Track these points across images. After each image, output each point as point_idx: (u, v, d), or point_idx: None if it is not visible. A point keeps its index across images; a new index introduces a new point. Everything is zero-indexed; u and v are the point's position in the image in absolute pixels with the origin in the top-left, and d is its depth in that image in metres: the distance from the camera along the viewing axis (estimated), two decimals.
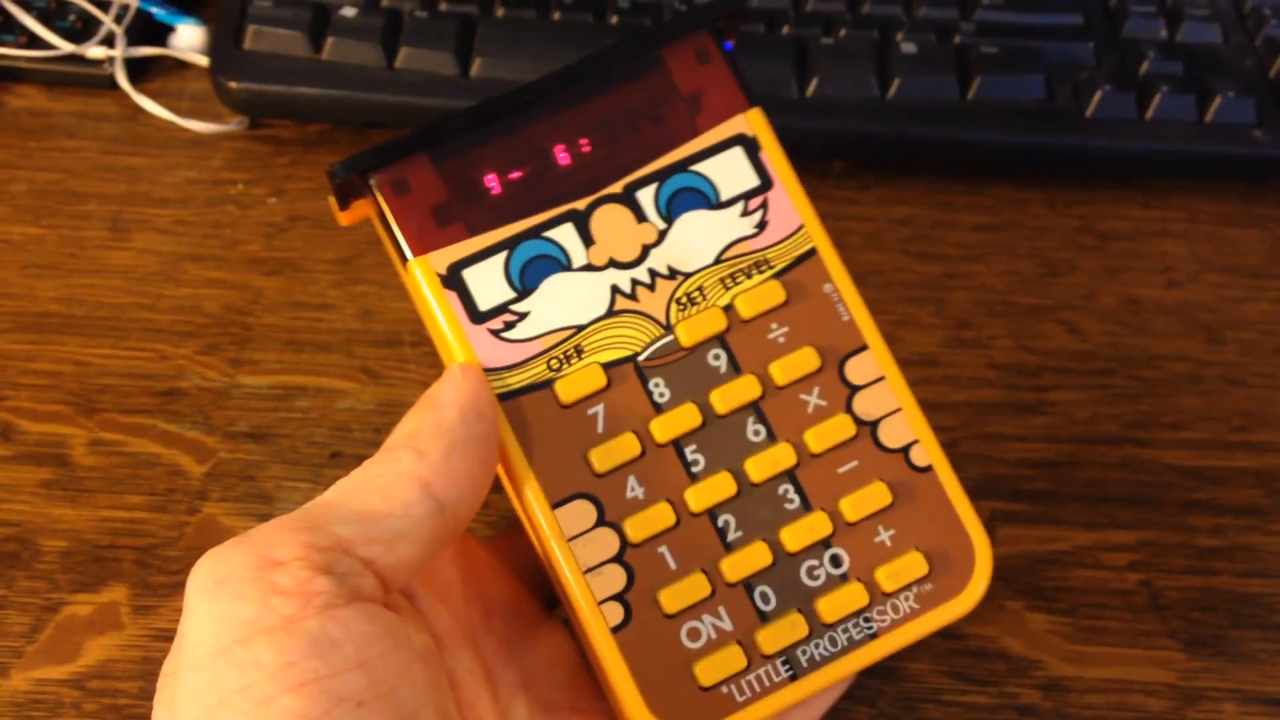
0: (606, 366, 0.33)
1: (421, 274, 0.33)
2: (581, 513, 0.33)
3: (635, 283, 0.34)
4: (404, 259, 0.33)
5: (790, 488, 0.34)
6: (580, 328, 0.34)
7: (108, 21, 0.56)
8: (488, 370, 0.33)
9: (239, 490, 0.44)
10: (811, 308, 0.35)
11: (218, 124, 0.55)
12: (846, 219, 0.53)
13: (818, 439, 0.34)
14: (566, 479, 0.33)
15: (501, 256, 0.33)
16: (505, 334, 0.33)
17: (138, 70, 0.56)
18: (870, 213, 0.53)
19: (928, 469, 0.34)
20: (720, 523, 0.33)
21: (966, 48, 0.54)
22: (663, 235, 0.34)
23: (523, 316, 0.33)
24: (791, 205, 0.35)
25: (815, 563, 0.33)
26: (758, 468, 0.34)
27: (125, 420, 0.45)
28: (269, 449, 0.45)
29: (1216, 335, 0.50)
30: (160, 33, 0.57)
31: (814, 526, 0.33)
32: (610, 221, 0.34)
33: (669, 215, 0.34)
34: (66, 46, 0.55)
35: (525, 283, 0.33)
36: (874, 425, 0.34)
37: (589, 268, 0.34)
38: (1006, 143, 0.53)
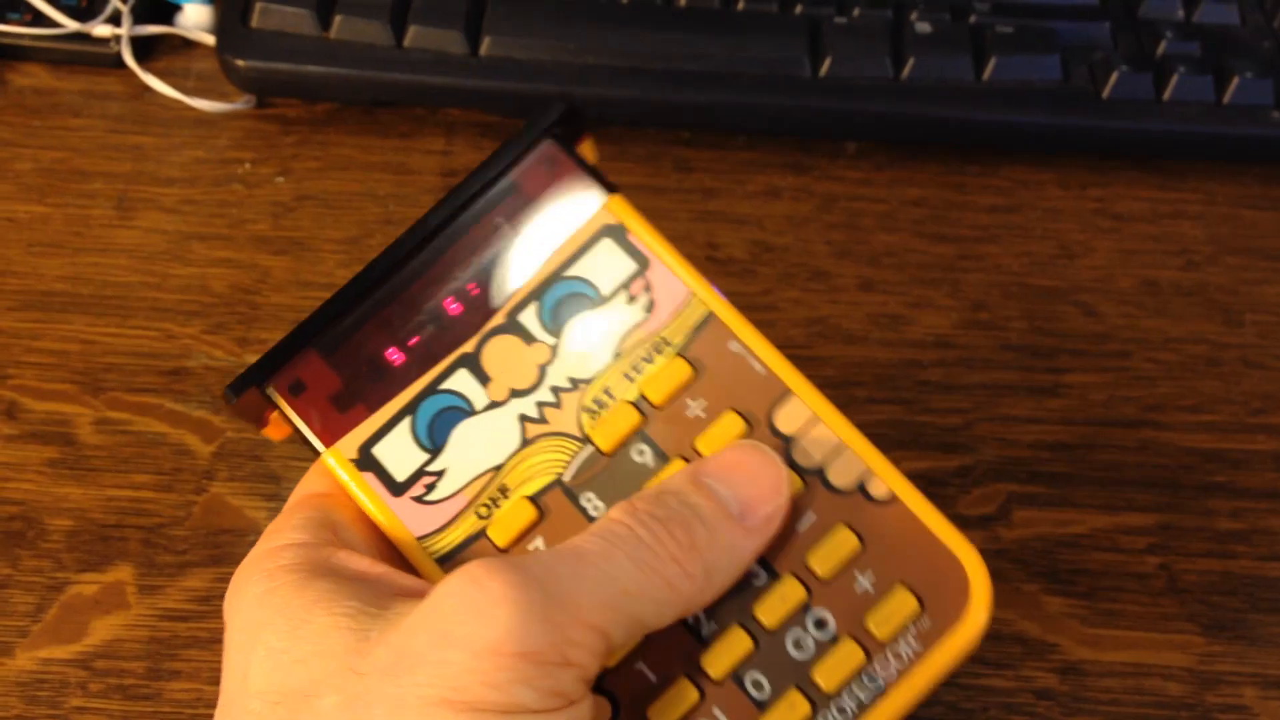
0: (533, 498, 0.32)
1: (336, 464, 0.33)
2: None
3: (541, 405, 0.33)
4: (316, 453, 0.33)
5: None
6: (498, 467, 0.32)
7: (114, 0, 0.55)
8: (420, 538, 0.32)
9: (246, 470, 0.43)
10: (722, 372, 0.33)
11: (225, 103, 0.54)
12: (860, 200, 0.52)
13: None
14: None
15: (406, 423, 0.33)
16: (427, 497, 0.32)
17: (144, 49, 0.56)
18: (883, 194, 0.53)
19: (890, 499, 0.32)
20: (691, 619, 0.31)
21: (981, 27, 0.54)
22: (555, 350, 0.33)
23: (440, 475, 0.32)
24: (674, 277, 0.34)
25: (800, 632, 0.31)
26: None
27: (131, 399, 0.45)
28: None
29: (1234, 317, 0.49)
30: (166, 11, 0.57)
31: (787, 595, 0.31)
32: (501, 353, 0.33)
33: (556, 328, 0.33)
34: (72, 25, 0.54)
35: (435, 440, 0.33)
36: (820, 471, 0.32)
37: (492, 406, 0.33)
38: (1022, 123, 0.53)
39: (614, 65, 0.53)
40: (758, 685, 0.31)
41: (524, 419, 0.33)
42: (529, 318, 0.34)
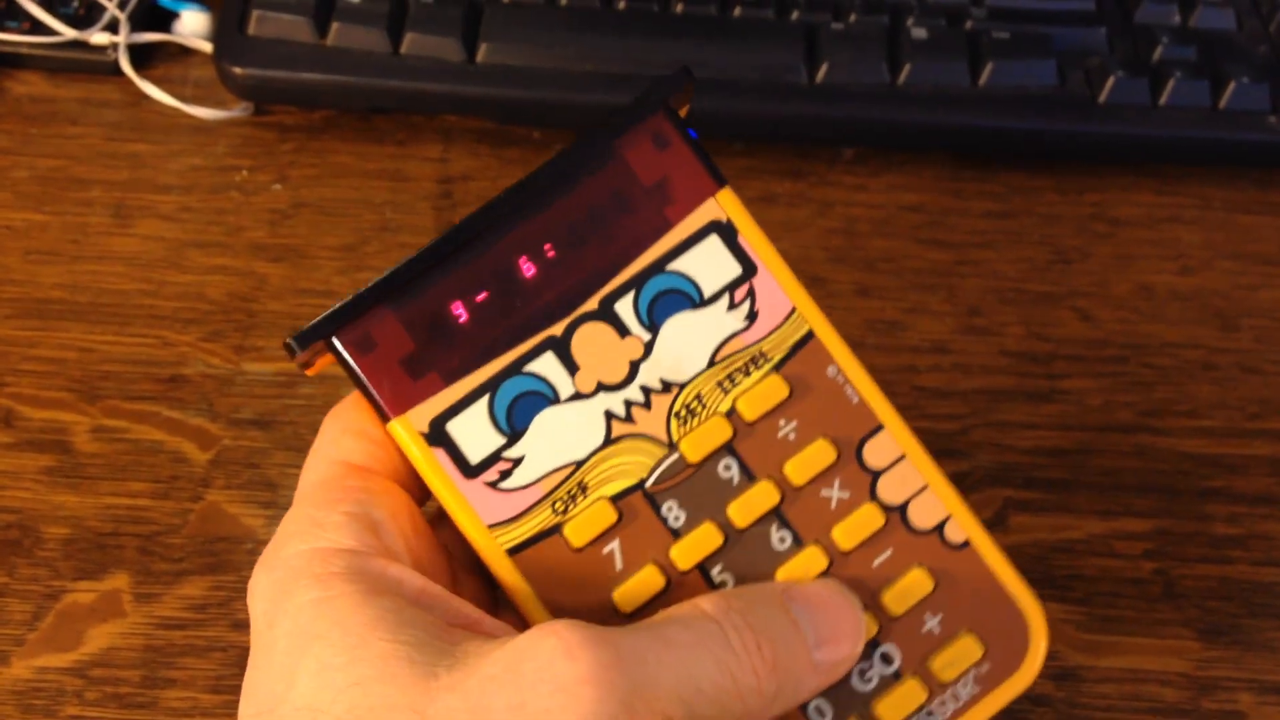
0: (614, 499, 0.31)
1: (404, 435, 0.31)
2: None
3: (629, 404, 0.32)
4: (384, 420, 0.31)
5: None
6: (579, 463, 0.31)
7: (111, 7, 0.55)
8: (490, 526, 0.31)
9: (243, 477, 0.43)
10: (818, 396, 0.32)
11: (222, 110, 0.54)
12: (856, 206, 0.52)
13: (846, 535, 0.32)
14: (593, 623, 0.30)
15: (484, 401, 0.31)
16: (502, 484, 0.31)
17: (141, 56, 0.56)
18: (880, 199, 0.53)
19: (965, 545, 0.32)
20: None
21: (978, 33, 0.54)
22: (649, 347, 0.32)
23: (517, 462, 0.31)
24: (779, 288, 0.33)
25: (866, 665, 0.31)
26: (789, 575, 0.32)
27: (128, 407, 0.45)
28: (273, 436, 0.44)
29: (1231, 322, 0.49)
30: (164, 18, 0.57)
31: None
32: (592, 342, 0.32)
33: (653, 324, 0.32)
34: (70, 33, 0.55)
35: (514, 425, 0.31)
36: (902, 509, 0.32)
37: (577, 396, 0.31)
38: (1018, 129, 0.53)
39: (610, 72, 0.53)
40: (820, 712, 0.31)
41: (610, 415, 0.31)
42: (625, 308, 0.32)
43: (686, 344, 0.32)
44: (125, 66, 0.55)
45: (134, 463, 0.43)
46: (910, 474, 0.32)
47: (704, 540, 0.31)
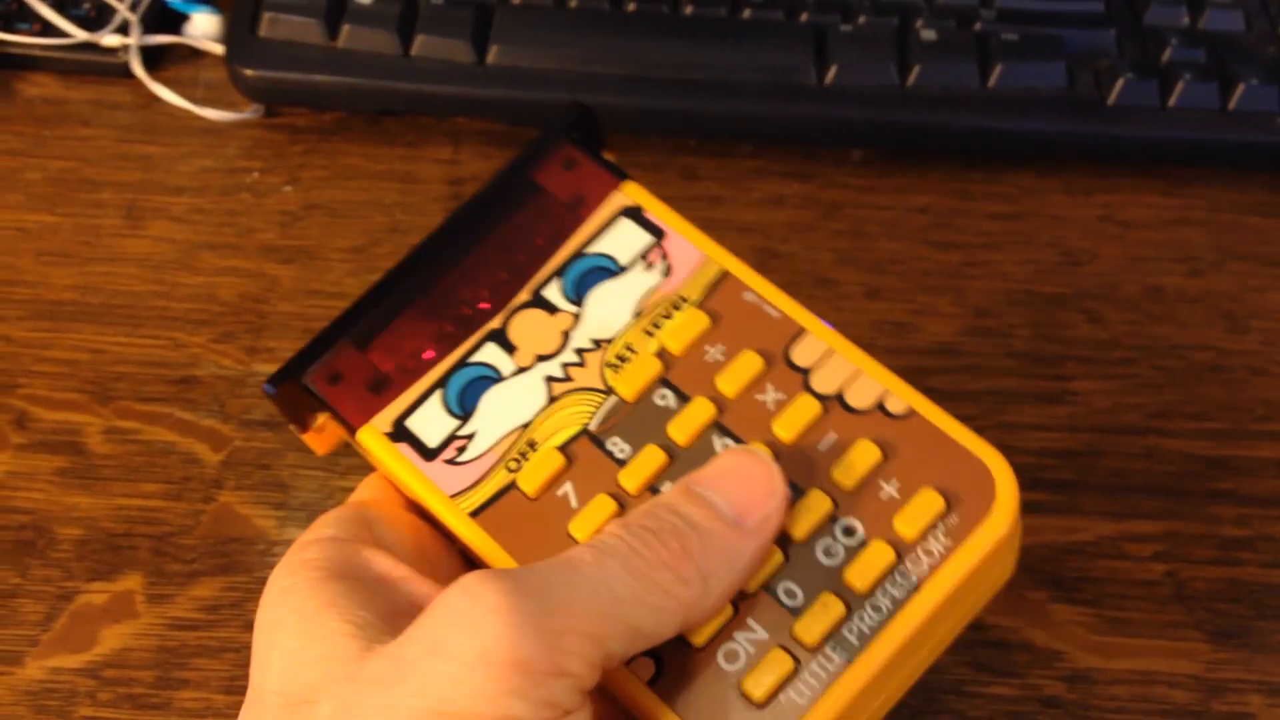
0: (561, 448, 0.33)
1: (370, 441, 0.33)
2: None
3: (565, 365, 0.34)
4: (352, 433, 0.34)
5: None
6: (526, 424, 0.33)
7: (122, 9, 0.55)
8: (452, 496, 0.33)
9: (254, 478, 0.43)
10: (738, 318, 0.34)
11: (233, 112, 0.54)
12: (864, 207, 0.52)
13: (786, 427, 0.32)
14: None
15: (437, 395, 0.34)
16: (459, 459, 0.33)
17: (153, 58, 0.56)
18: (888, 201, 0.53)
19: (909, 414, 0.33)
20: None
21: (987, 35, 0.54)
22: (578, 318, 0.35)
23: (470, 437, 0.33)
24: (689, 244, 0.35)
25: (829, 540, 0.31)
26: None
27: (140, 408, 0.45)
28: (284, 437, 0.44)
29: (1239, 324, 0.49)
30: (175, 20, 0.57)
31: (813, 506, 0.32)
32: (526, 326, 0.35)
33: (578, 298, 0.35)
34: (81, 35, 0.55)
35: (465, 407, 0.34)
36: (839, 396, 0.33)
37: (519, 371, 0.34)
38: (1027, 131, 0.53)
39: (620, 74, 0.53)
40: (790, 594, 0.31)
41: (550, 379, 0.34)
42: (552, 292, 0.35)
43: (611, 306, 0.35)
44: (136, 68, 0.55)
45: (146, 464, 0.43)
46: (840, 364, 0.33)
47: (649, 461, 0.32)
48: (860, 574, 0.31)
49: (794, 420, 0.32)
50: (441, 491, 0.33)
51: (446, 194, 0.52)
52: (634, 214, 0.36)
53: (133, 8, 0.56)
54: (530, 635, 0.26)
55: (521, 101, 0.53)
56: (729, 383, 0.33)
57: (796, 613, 0.31)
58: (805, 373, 0.33)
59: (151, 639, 0.40)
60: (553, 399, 0.34)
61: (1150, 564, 0.43)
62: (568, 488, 0.32)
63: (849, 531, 0.31)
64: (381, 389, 0.34)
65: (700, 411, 0.33)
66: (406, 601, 0.30)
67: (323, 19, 0.53)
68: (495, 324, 0.35)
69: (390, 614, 0.29)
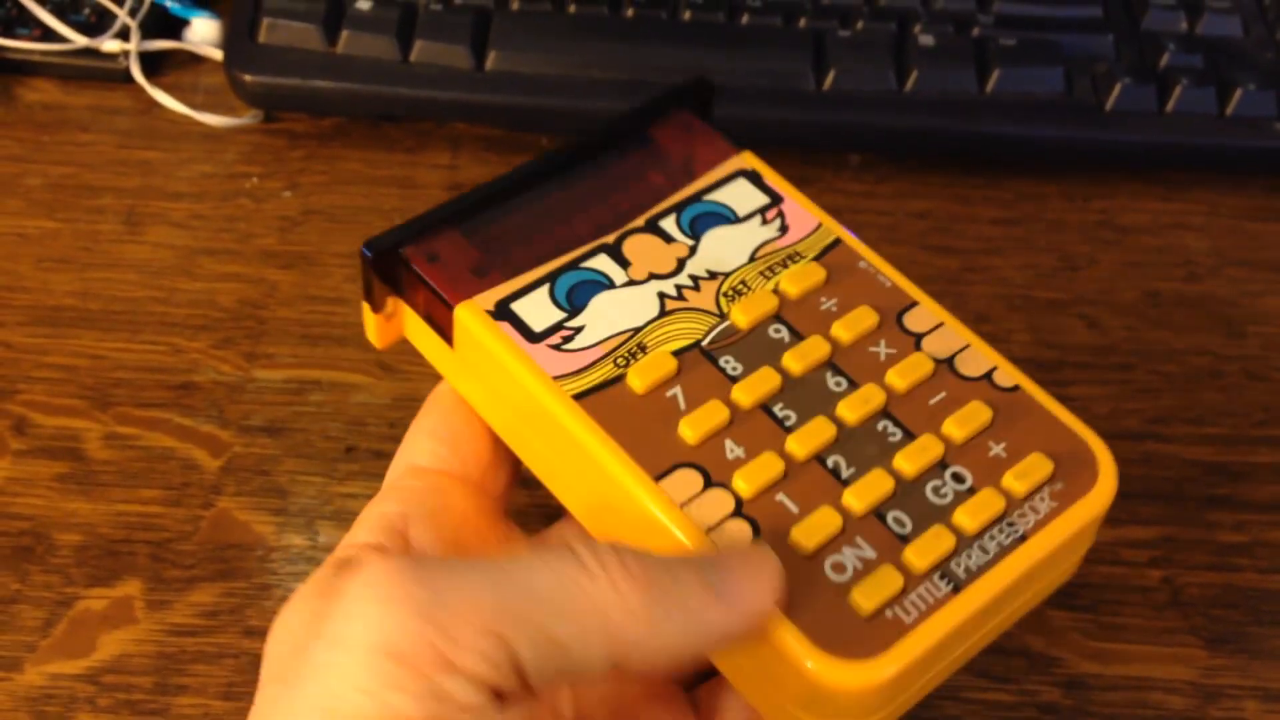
0: (675, 354, 0.33)
1: (469, 316, 0.33)
2: (686, 480, 0.31)
3: (679, 287, 0.35)
4: (449, 307, 0.33)
5: (888, 423, 0.33)
6: (637, 329, 0.34)
7: (122, 15, 0.56)
8: (555, 377, 0.33)
9: (253, 484, 0.43)
10: (853, 280, 0.35)
11: (232, 117, 0.54)
12: (863, 212, 0.53)
13: (900, 377, 0.33)
14: (662, 454, 0.32)
15: (544, 288, 0.34)
16: (565, 346, 0.33)
17: (152, 64, 0.56)
18: (887, 206, 0.53)
19: (1015, 388, 0.34)
20: (830, 464, 0.32)
21: (985, 40, 0.54)
22: (693, 250, 0.35)
23: (578, 330, 0.33)
24: (805, 211, 0.37)
25: (939, 482, 0.32)
26: (851, 410, 0.33)
27: (140, 414, 0.45)
28: (283, 443, 0.44)
29: (1237, 329, 0.49)
30: (175, 26, 0.57)
31: (926, 448, 0.32)
32: (641, 247, 0.35)
33: (694, 235, 0.36)
34: (81, 40, 0.55)
35: (574, 303, 0.34)
36: (949, 360, 0.34)
37: (631, 283, 0.35)
38: (1025, 136, 0.53)
39: (619, 79, 0.53)
40: (900, 522, 0.32)
41: (663, 296, 0.34)
42: (669, 224, 0.36)
43: (727, 247, 0.36)
44: (136, 74, 0.55)
45: (145, 470, 0.44)
46: (951, 335, 0.35)
47: (764, 381, 0.33)
48: (971, 516, 0.32)
49: (908, 374, 0.34)
50: (544, 372, 0.33)
51: (445, 199, 0.52)
52: (752, 177, 0.37)
53: (132, 13, 0.56)
54: (412, 624, 0.25)
55: (520, 107, 0.53)
56: (845, 330, 0.34)
57: (906, 539, 0.31)
58: (918, 337, 0.35)
59: (150, 645, 0.40)
60: (665, 312, 0.34)
61: (1147, 570, 0.43)
62: (677, 390, 0.33)
63: (959, 478, 0.33)
64: (482, 273, 0.34)
65: (816, 348, 0.34)
66: None
67: (321, 24, 0.53)
68: (609, 239, 0.35)
69: None
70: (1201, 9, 0.56)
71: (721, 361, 0.33)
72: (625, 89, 0.53)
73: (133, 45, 0.55)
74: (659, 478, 0.31)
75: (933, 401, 0.33)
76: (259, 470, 0.44)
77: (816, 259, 0.36)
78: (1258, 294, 0.50)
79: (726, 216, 0.36)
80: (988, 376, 0.34)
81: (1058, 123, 0.53)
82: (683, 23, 0.55)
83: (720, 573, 0.28)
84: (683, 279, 0.35)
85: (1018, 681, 0.40)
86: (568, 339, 0.33)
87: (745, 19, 0.55)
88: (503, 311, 0.33)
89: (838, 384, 0.34)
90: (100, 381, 0.46)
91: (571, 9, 0.55)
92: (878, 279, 0.35)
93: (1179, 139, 0.53)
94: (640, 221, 0.36)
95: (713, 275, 0.35)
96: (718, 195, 0.37)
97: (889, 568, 0.30)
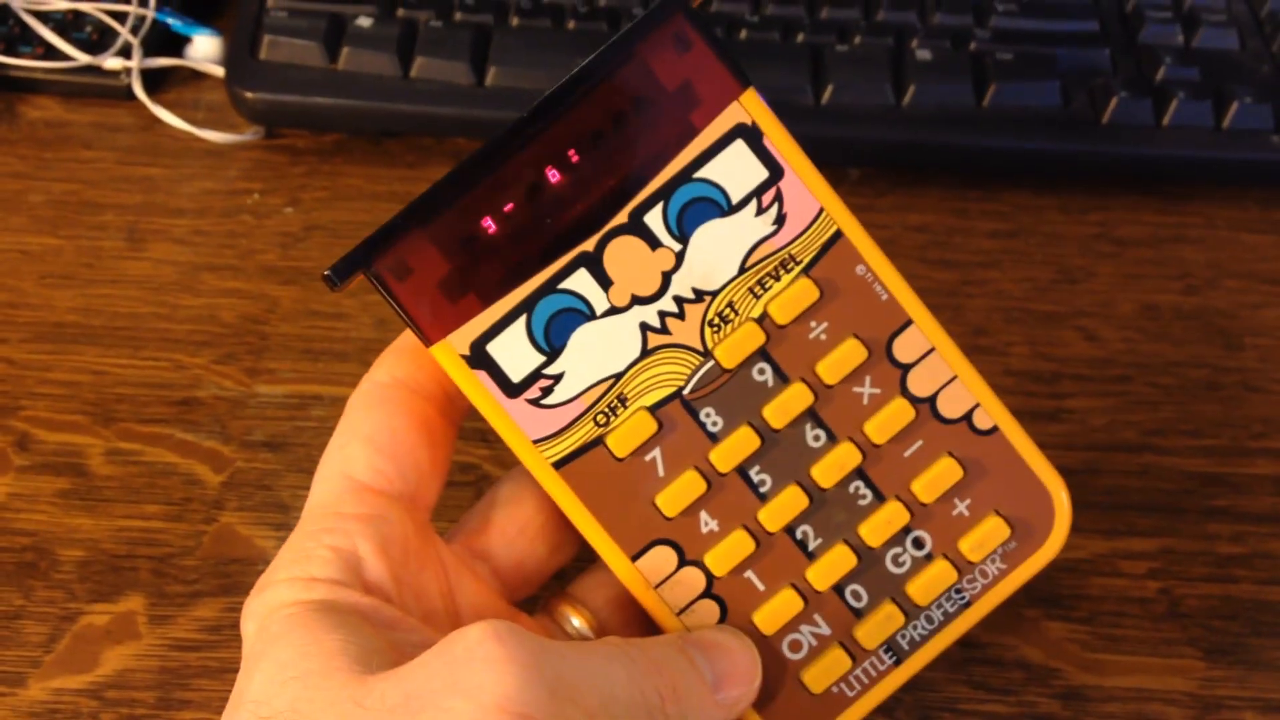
0: (653, 409, 0.33)
1: (447, 360, 0.32)
2: (662, 559, 0.33)
3: (663, 315, 0.33)
4: (426, 343, 0.32)
5: (861, 483, 0.34)
6: (618, 375, 0.33)
7: (124, 33, 0.56)
8: (536, 441, 0.33)
9: (255, 499, 0.44)
10: (847, 296, 0.34)
11: (234, 134, 0.55)
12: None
13: (878, 429, 0.34)
14: (640, 530, 0.33)
15: (522, 321, 0.32)
16: (544, 401, 0.32)
17: (154, 81, 0.56)
18: (885, 220, 0.53)
19: (993, 430, 0.34)
20: (799, 535, 0.34)
21: (982, 54, 0.54)
22: (680, 257, 0.33)
23: (557, 379, 0.32)
24: (806, 190, 0.33)
25: (899, 550, 0.34)
26: (824, 473, 0.33)
27: (142, 430, 0.45)
28: (285, 458, 0.45)
29: (1234, 341, 0.50)
30: (176, 43, 0.57)
31: (891, 518, 0.34)
32: (624, 256, 0.32)
33: (682, 233, 0.33)
34: (83, 58, 0.55)
35: (552, 342, 0.32)
36: (932, 400, 0.34)
37: (613, 311, 0.32)
38: (1022, 149, 0.53)
39: None
40: (856, 596, 0.34)
41: (645, 327, 0.33)
42: (655, 220, 0.32)
43: (717, 252, 0.33)
44: (138, 91, 0.55)
45: (148, 485, 0.44)
46: (939, 366, 0.34)
47: (742, 443, 0.33)
48: (923, 590, 0.34)
49: (887, 424, 0.34)
50: (525, 435, 0.33)
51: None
52: (752, 137, 0.33)
53: (134, 31, 0.56)
54: (545, 697, 0.27)
55: None
56: (829, 370, 0.34)
57: (860, 614, 0.34)
58: (905, 369, 0.34)
59: (153, 660, 0.40)
60: (647, 351, 0.33)
61: (1145, 581, 0.43)
62: (656, 454, 0.33)
63: (919, 544, 0.34)
64: (457, 295, 0.32)
65: (797, 399, 0.33)
66: (407, 643, 0.30)
67: (322, 41, 0.53)
68: (589, 246, 0.32)
69: (386, 649, 0.30)
70: (1198, 22, 0.56)
71: (702, 415, 0.33)
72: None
73: (135, 63, 0.55)
74: (636, 557, 0.33)
75: (908, 454, 0.34)
76: (261, 485, 0.44)
77: (810, 268, 0.33)
78: (1255, 306, 0.51)
79: (719, 205, 0.33)
80: (967, 418, 0.34)
81: (1055, 136, 0.53)
82: None
83: (713, 667, 0.32)
84: (667, 303, 0.33)
85: (1015, 693, 0.41)
86: (547, 390, 0.32)
87: (743, 34, 0.55)
88: (479, 358, 0.32)
89: (816, 439, 0.34)
90: (102, 397, 0.46)
91: (571, 25, 0.55)
92: (874, 290, 0.34)
93: (1176, 152, 0.53)
94: (623, 217, 0.32)
95: (699, 296, 0.33)
96: (710, 170, 0.32)
97: (839, 651, 0.34)
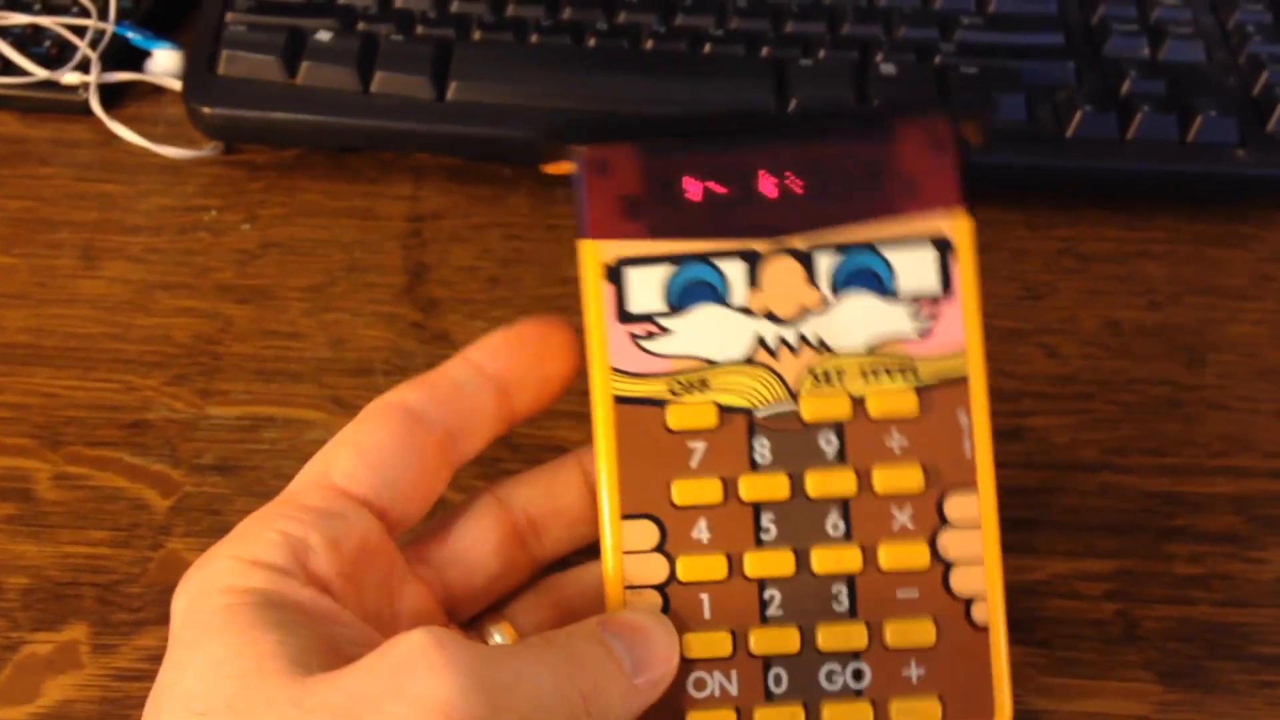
0: (722, 409, 0.34)
1: (588, 257, 0.34)
2: (645, 534, 0.34)
3: (781, 341, 0.34)
4: (580, 234, 0.34)
5: (845, 590, 0.34)
6: (712, 363, 0.34)
7: (83, 47, 0.55)
8: (614, 370, 0.34)
9: (203, 525, 0.43)
10: (939, 431, 0.34)
11: (192, 149, 0.54)
12: None
13: (890, 557, 0.34)
14: (644, 497, 0.34)
15: (666, 268, 0.34)
16: (643, 342, 0.34)
17: (114, 96, 0.56)
18: None
19: (983, 628, 0.34)
20: (766, 595, 0.34)
21: (946, 68, 0.54)
22: (825, 304, 0.34)
23: (665, 331, 0.34)
24: (961, 325, 0.34)
25: (837, 668, 0.34)
26: (821, 560, 0.34)
27: (90, 453, 0.45)
28: (236, 482, 0.44)
29: (1197, 358, 0.49)
30: (136, 58, 0.57)
31: (850, 635, 0.34)
32: (781, 273, 0.34)
33: (838, 288, 0.34)
34: (41, 73, 0.55)
35: (680, 302, 0.34)
36: (949, 566, 0.34)
37: (744, 310, 0.34)
38: (986, 164, 0.53)
39: (581, 109, 0.53)
40: (777, 680, 0.34)
41: (760, 341, 0.34)
42: (824, 262, 0.34)
43: (857, 322, 0.34)
44: (96, 106, 0.55)
45: (95, 510, 0.43)
46: (973, 542, 0.34)
47: (773, 486, 0.34)
48: (835, 718, 0.34)
49: (900, 559, 0.34)
50: (609, 358, 0.34)
51: (406, 231, 0.52)
52: (944, 249, 0.34)
53: (93, 45, 0.56)
54: (483, 704, 0.28)
55: (482, 137, 0.53)
56: (883, 480, 0.34)
57: (769, 699, 0.34)
58: (943, 524, 0.34)
59: (95, 690, 0.39)
60: (749, 360, 0.34)
61: (1102, 603, 0.43)
62: (700, 446, 0.34)
63: (858, 675, 0.34)
64: (632, 214, 0.34)
65: (842, 482, 0.34)
66: (343, 637, 0.31)
67: (281, 56, 0.53)
68: (760, 247, 0.34)
69: (323, 650, 0.30)
70: (1164, 35, 0.56)
71: (756, 441, 0.34)
72: (586, 119, 0.52)
73: (93, 77, 0.55)
74: (625, 518, 0.33)
75: (900, 595, 0.34)
76: (209, 510, 0.44)
77: (925, 386, 0.34)
78: (1219, 322, 0.50)
79: (883, 285, 0.34)
80: (968, 602, 0.34)
81: (1019, 150, 0.53)
82: (645, 52, 0.55)
83: (631, 653, 0.32)
84: (790, 334, 0.34)
85: None
86: (650, 335, 0.34)
87: (708, 48, 0.55)
88: (615, 273, 0.34)
89: (834, 526, 0.34)
90: (51, 420, 0.46)
91: (533, 39, 0.55)
92: (963, 441, 0.34)
93: (1140, 166, 0.52)
94: (801, 243, 0.34)
95: (820, 346, 0.34)
96: (894, 253, 0.34)
97: (730, 714, 0.33)
